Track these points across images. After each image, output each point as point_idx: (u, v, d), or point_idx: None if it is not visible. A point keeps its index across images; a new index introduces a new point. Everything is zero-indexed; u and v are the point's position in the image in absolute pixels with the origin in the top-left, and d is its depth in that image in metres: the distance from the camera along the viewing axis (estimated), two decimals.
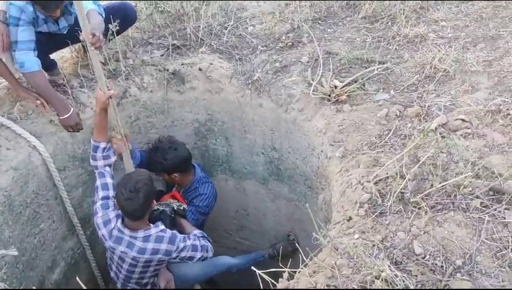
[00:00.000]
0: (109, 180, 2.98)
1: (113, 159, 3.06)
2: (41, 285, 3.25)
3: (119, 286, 3.19)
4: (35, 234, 3.20)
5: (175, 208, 3.28)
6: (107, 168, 3.03)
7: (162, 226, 2.94)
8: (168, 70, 3.74)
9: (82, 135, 3.48)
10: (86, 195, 3.66)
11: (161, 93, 3.80)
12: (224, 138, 4.01)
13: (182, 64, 3.73)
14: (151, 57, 3.81)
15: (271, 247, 4.00)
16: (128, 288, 3.12)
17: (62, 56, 3.69)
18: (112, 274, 3.18)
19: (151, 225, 2.93)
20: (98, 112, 2.86)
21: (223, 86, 3.68)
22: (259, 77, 3.52)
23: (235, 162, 4.13)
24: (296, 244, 3.75)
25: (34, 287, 2.24)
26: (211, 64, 3.68)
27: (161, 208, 3.19)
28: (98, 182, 3.00)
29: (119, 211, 2.90)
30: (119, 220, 2.88)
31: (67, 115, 3.12)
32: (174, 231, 2.98)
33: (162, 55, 3.83)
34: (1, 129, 3.05)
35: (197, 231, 3.21)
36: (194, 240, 3.06)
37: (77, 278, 1.95)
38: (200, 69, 3.68)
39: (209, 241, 3.18)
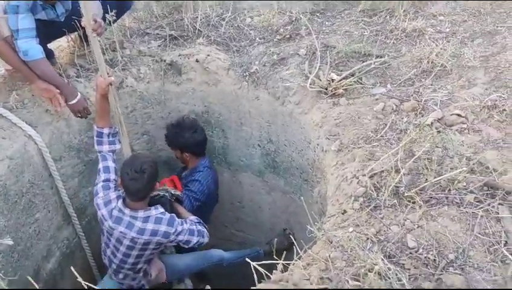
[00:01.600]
0: (111, 164, 3.02)
1: (118, 146, 3.11)
2: (37, 274, 3.25)
3: (111, 272, 3.21)
4: (30, 224, 3.21)
5: (172, 193, 3.30)
6: (111, 153, 3.07)
7: (162, 209, 2.97)
8: (165, 61, 3.73)
9: (78, 125, 3.47)
10: (81, 185, 3.66)
11: (158, 84, 3.79)
12: (220, 129, 4.01)
13: (179, 55, 3.71)
14: (148, 48, 3.80)
15: (267, 243, 4.02)
16: (122, 272, 3.13)
17: (59, 45, 3.68)
18: (106, 260, 3.19)
19: (151, 207, 2.95)
20: (98, 98, 2.90)
21: (220, 78, 3.67)
22: (256, 69, 3.52)
23: (231, 154, 4.13)
24: (292, 238, 3.77)
25: (29, 277, 2.26)
26: (208, 55, 3.67)
27: (161, 193, 3.20)
28: (100, 165, 3.04)
29: (120, 193, 2.94)
30: (120, 201, 2.92)
31: (75, 101, 3.15)
32: (173, 214, 3.00)
33: (159, 46, 3.82)
34: None
35: (193, 217, 3.23)
36: (191, 225, 3.09)
37: (72, 267, 1.95)
38: (197, 61, 3.67)
39: (205, 227, 3.20)
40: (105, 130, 3.03)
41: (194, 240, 3.06)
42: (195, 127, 3.67)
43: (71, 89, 3.18)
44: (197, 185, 3.62)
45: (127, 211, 2.88)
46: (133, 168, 2.77)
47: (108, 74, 2.81)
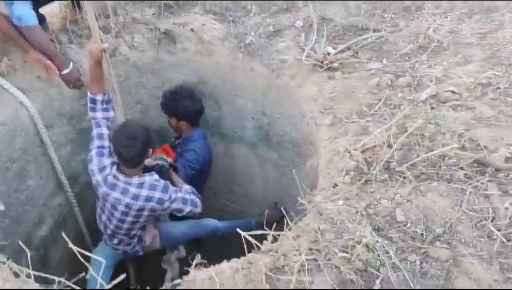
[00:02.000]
0: (105, 131, 3.00)
1: (111, 113, 3.09)
2: (28, 240, 3.28)
3: (106, 237, 3.24)
4: (22, 190, 3.21)
5: (170, 163, 3.31)
6: (104, 120, 3.05)
7: (156, 176, 2.97)
8: (159, 29, 3.66)
9: (70, 93, 3.44)
10: (74, 153, 3.65)
11: (152, 53, 3.73)
12: (214, 101, 3.98)
13: (173, 24, 3.65)
14: (143, 15, 3.72)
15: (259, 215, 4.05)
16: (117, 237, 3.16)
17: (51, 10, 3.59)
18: (101, 226, 3.21)
19: (146, 173, 2.96)
20: (91, 64, 2.87)
21: (215, 48, 3.63)
22: (252, 40, 3.47)
23: (224, 126, 4.12)
24: (284, 212, 3.81)
25: (20, 242, 2.28)
26: (204, 25, 3.61)
27: (160, 163, 3.19)
28: (94, 132, 3.02)
29: (114, 159, 2.93)
30: (114, 167, 2.92)
31: (67, 71, 3.13)
32: (167, 182, 3.01)
33: (153, 14, 3.75)
34: None
35: (187, 186, 3.25)
36: (185, 194, 3.10)
37: (63, 233, 1.97)
38: (192, 30, 3.61)
39: (198, 197, 3.23)
40: (99, 97, 3.00)
41: (187, 209, 3.08)
42: (194, 95, 3.66)
43: (63, 59, 3.13)
44: (192, 155, 3.62)
45: (121, 177, 2.88)
46: (125, 135, 2.75)
47: (101, 40, 2.76)
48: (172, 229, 3.55)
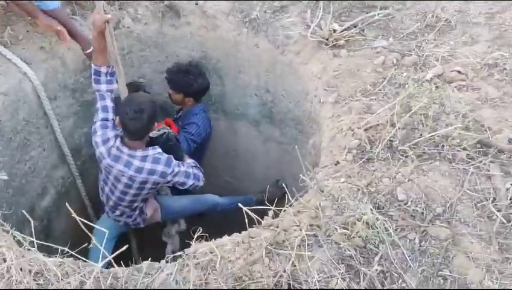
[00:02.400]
0: (109, 103, 2.99)
1: (115, 85, 3.07)
2: (32, 211, 3.31)
3: (107, 209, 3.27)
4: (25, 161, 3.22)
5: (173, 135, 3.32)
6: (109, 93, 3.04)
7: (159, 149, 2.98)
8: (163, 2, 3.62)
9: (73, 65, 3.42)
10: (77, 126, 3.65)
11: (155, 26, 3.70)
12: (218, 76, 3.96)
13: None
14: None
15: (260, 192, 4.07)
16: (119, 209, 3.20)
17: None
18: (103, 198, 3.24)
19: (149, 147, 2.97)
20: (95, 36, 2.83)
21: (219, 23, 3.59)
22: (257, 15, 3.43)
23: (227, 103, 4.11)
24: (286, 189, 3.84)
25: (23, 211, 2.31)
26: None
27: (166, 131, 3.19)
28: (98, 104, 3.01)
29: (118, 132, 2.94)
30: (118, 140, 2.92)
31: (90, 50, 3.19)
32: (170, 156, 3.02)
33: None
34: None
35: (190, 160, 3.26)
36: (188, 167, 3.12)
37: (67, 204, 1.99)
38: (196, 3, 3.57)
39: (201, 171, 3.25)
40: (103, 69, 2.98)
41: (190, 182, 3.11)
42: (203, 72, 3.73)
43: (87, 40, 3.23)
44: (194, 128, 3.66)
45: (125, 149, 2.89)
46: (132, 107, 2.74)
47: (105, 11, 2.73)
48: (172, 203, 3.58)
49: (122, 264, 2.03)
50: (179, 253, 2.03)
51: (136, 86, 3.48)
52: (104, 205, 3.32)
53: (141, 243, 3.93)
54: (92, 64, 3.00)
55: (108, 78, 3.02)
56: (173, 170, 2.97)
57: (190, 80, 3.63)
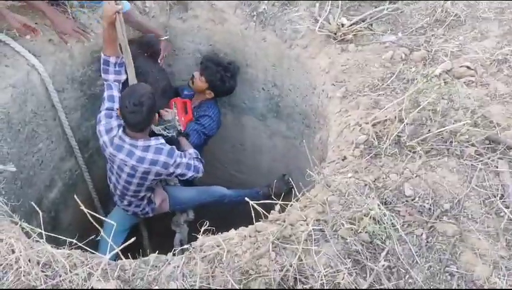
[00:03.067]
0: (116, 93, 3.03)
1: (123, 76, 3.11)
2: (39, 203, 3.33)
3: (116, 198, 3.31)
4: (33, 153, 3.24)
5: (179, 129, 3.36)
6: (116, 83, 3.08)
7: (162, 140, 3.01)
8: None
9: (81, 58, 3.42)
10: (84, 118, 3.66)
11: (163, 19, 3.69)
12: None
13: None
14: None
15: (266, 186, 4.08)
16: (126, 199, 3.24)
17: None
18: (111, 186, 3.29)
19: (152, 137, 2.99)
20: (106, 26, 2.86)
21: (226, 16, 3.58)
22: (264, 9, 3.42)
23: (234, 96, 4.10)
24: (292, 183, 3.87)
25: (32, 203, 2.34)
26: None
27: (169, 134, 3.22)
28: (105, 94, 3.06)
29: (122, 122, 2.96)
30: (121, 129, 2.96)
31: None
32: (173, 147, 3.05)
33: None
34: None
35: (192, 150, 3.28)
36: (189, 159, 3.15)
37: (75, 196, 2.00)
38: None
39: (201, 162, 3.28)
40: (112, 59, 3.01)
41: (189, 174, 3.15)
42: (237, 78, 3.78)
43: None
44: (208, 121, 3.70)
45: (127, 139, 2.92)
46: (131, 100, 2.76)
47: (115, 2, 2.76)
48: (180, 194, 3.64)
49: (130, 256, 2.04)
50: (186, 246, 2.05)
51: (146, 42, 3.49)
52: (113, 196, 3.34)
53: (151, 232, 3.99)
54: (102, 54, 3.03)
55: (117, 68, 3.04)
56: (175, 160, 3.00)
57: (225, 77, 3.64)
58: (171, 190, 3.57)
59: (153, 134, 3.09)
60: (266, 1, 3.43)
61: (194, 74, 3.74)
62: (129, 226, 3.58)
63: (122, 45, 2.94)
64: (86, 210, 1.87)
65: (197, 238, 2.03)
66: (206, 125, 3.69)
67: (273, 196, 3.94)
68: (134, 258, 2.05)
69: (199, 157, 3.29)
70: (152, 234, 3.99)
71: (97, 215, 1.96)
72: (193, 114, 3.74)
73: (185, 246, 2.04)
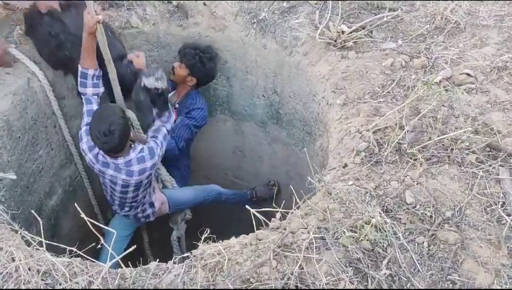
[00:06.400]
0: (95, 108, 2.95)
1: (101, 89, 3.02)
2: (39, 210, 3.32)
3: (116, 207, 3.30)
4: (33, 160, 3.24)
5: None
6: (95, 97, 3.00)
7: (139, 147, 2.94)
8: (171, 2, 3.62)
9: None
10: None
11: (163, 26, 3.70)
12: (225, 77, 3.96)
13: None
14: None
15: (251, 189, 4.25)
16: (126, 206, 3.24)
17: None
18: (108, 198, 3.28)
19: (129, 150, 2.90)
20: (85, 36, 2.76)
21: (227, 24, 3.59)
22: (265, 16, 3.43)
23: (235, 103, 4.10)
24: (275, 191, 4.18)
25: (32, 211, 2.33)
26: None
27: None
28: (85, 108, 2.97)
29: None
30: None
31: None
32: (151, 146, 2.97)
33: None
34: None
35: (164, 131, 3.14)
36: (161, 147, 3.05)
37: (75, 204, 1.99)
38: (204, 4, 3.57)
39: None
40: (90, 72, 2.91)
41: (167, 137, 3.14)
42: (217, 61, 3.74)
43: None
44: (200, 112, 3.70)
45: (108, 158, 2.88)
46: (101, 130, 2.67)
47: (96, 11, 2.67)
48: (179, 195, 3.68)
49: (130, 265, 2.04)
50: (186, 254, 2.04)
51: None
52: (112, 205, 3.33)
53: (151, 238, 4.05)
54: (80, 67, 2.92)
55: (95, 81, 2.95)
56: (158, 155, 2.98)
57: (204, 58, 3.56)
58: (169, 192, 3.60)
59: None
60: (266, 8, 3.45)
61: (173, 64, 3.68)
62: (131, 231, 3.60)
63: (105, 58, 2.83)
64: (87, 219, 1.86)
65: (198, 246, 2.03)
66: (198, 117, 3.68)
67: (256, 201, 4.02)
68: (135, 265, 2.04)
69: (167, 131, 3.18)
70: (151, 232, 4.05)
71: (97, 223, 1.95)
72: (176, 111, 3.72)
73: (186, 254, 2.03)
